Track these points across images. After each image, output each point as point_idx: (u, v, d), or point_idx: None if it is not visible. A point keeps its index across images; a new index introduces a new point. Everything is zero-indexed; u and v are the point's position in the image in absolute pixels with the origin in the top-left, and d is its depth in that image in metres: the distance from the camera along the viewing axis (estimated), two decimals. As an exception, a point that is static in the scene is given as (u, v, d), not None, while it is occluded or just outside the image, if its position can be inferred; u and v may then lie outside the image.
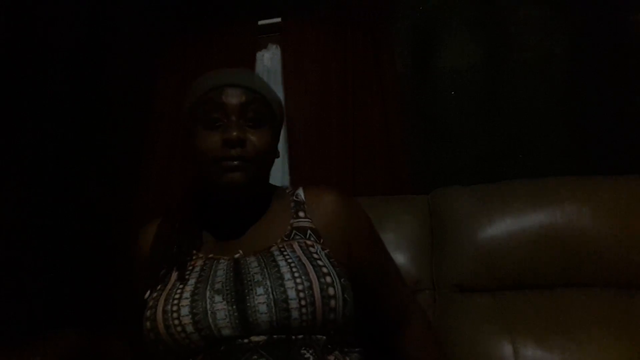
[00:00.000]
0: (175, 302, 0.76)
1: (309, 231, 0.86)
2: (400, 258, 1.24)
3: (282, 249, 0.82)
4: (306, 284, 0.75)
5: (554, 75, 1.70)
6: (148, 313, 0.79)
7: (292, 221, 0.88)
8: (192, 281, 0.80)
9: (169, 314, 0.75)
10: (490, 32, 1.78)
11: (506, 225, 1.20)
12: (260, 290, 0.75)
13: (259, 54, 1.99)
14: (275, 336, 0.73)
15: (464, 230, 1.23)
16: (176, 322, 0.74)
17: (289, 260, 0.78)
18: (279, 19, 1.95)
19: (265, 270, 0.78)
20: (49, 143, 1.92)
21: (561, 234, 1.16)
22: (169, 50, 1.99)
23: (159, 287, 0.82)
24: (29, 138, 1.85)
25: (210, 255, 0.85)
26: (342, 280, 0.80)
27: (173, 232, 0.88)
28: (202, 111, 0.84)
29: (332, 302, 0.76)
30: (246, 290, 0.76)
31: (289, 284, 0.75)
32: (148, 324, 0.78)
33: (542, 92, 1.70)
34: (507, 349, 1.07)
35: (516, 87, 1.73)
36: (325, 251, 0.84)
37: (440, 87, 1.80)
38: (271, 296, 0.74)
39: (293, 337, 0.74)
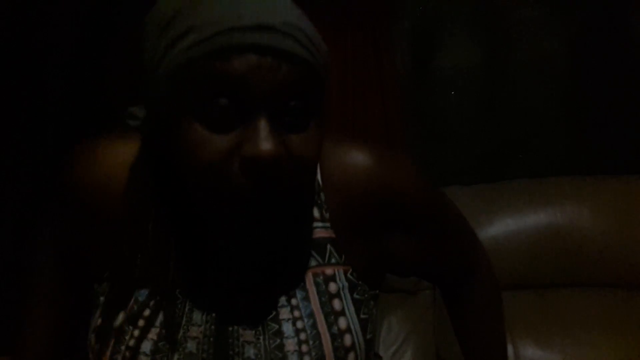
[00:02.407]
0: (128, 354, 0.50)
1: (328, 247, 0.55)
2: (400, 258, 1.25)
3: (292, 298, 0.53)
4: None
5: (553, 75, 1.70)
6: (92, 339, 0.53)
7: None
8: (154, 328, 0.50)
9: None
10: (490, 32, 1.78)
11: (506, 225, 1.20)
12: None
13: (259, 54, 1.98)
14: None
15: (464, 230, 1.23)
16: None
17: (299, 326, 0.51)
18: (279, 19, 1.95)
19: (261, 338, 0.51)
20: (49, 142, 1.92)
21: (561, 234, 1.16)
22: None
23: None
24: (28, 136, 1.85)
25: (179, 291, 0.52)
26: (367, 335, 0.55)
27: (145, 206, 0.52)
28: (201, 90, 0.42)
29: None
30: None
31: None
32: (90, 342, 0.53)
33: (542, 92, 1.69)
34: (507, 349, 1.07)
35: (516, 87, 1.72)
36: (348, 274, 0.55)
37: (440, 87, 1.80)
38: None
39: None
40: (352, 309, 0.54)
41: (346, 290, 0.55)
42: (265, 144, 0.41)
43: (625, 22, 1.65)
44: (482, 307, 0.71)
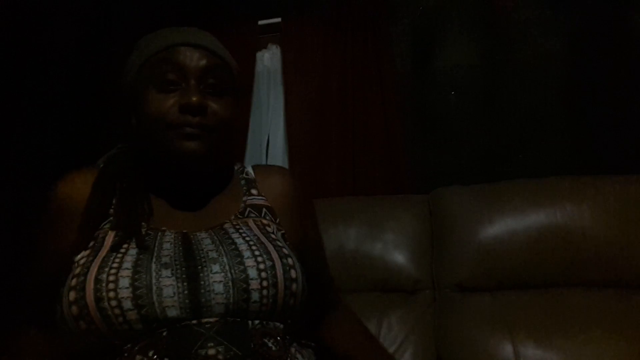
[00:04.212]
0: (113, 271, 0.63)
1: (264, 209, 0.80)
2: (400, 258, 1.24)
3: (237, 226, 0.74)
4: (268, 263, 0.68)
5: (553, 75, 1.70)
6: (73, 281, 0.65)
7: (245, 198, 0.81)
8: (133, 251, 0.67)
9: (104, 284, 0.62)
10: (490, 32, 1.78)
11: (506, 225, 1.20)
12: (215, 267, 0.66)
13: (259, 54, 1.99)
14: (229, 319, 0.65)
15: (464, 230, 1.23)
16: (111, 294, 0.61)
17: (247, 238, 0.71)
18: (279, 19, 1.96)
19: (220, 247, 0.69)
20: (48, 142, 1.92)
21: (561, 234, 1.16)
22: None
23: (88, 251, 0.69)
24: (28, 136, 1.85)
25: (152, 225, 0.73)
26: (299, 264, 0.74)
27: (114, 189, 0.77)
28: (156, 72, 0.73)
29: (294, 286, 0.69)
30: (199, 267, 0.66)
31: (249, 262, 0.67)
32: (72, 294, 0.63)
33: (542, 92, 1.70)
34: (507, 349, 1.07)
35: (516, 87, 1.73)
36: (282, 232, 0.79)
37: (440, 87, 1.80)
38: (229, 275, 0.65)
39: (250, 321, 0.66)
40: (284, 242, 0.75)
41: (279, 234, 0.77)
42: (193, 96, 0.71)
43: (625, 22, 1.65)
44: (354, 330, 0.89)
